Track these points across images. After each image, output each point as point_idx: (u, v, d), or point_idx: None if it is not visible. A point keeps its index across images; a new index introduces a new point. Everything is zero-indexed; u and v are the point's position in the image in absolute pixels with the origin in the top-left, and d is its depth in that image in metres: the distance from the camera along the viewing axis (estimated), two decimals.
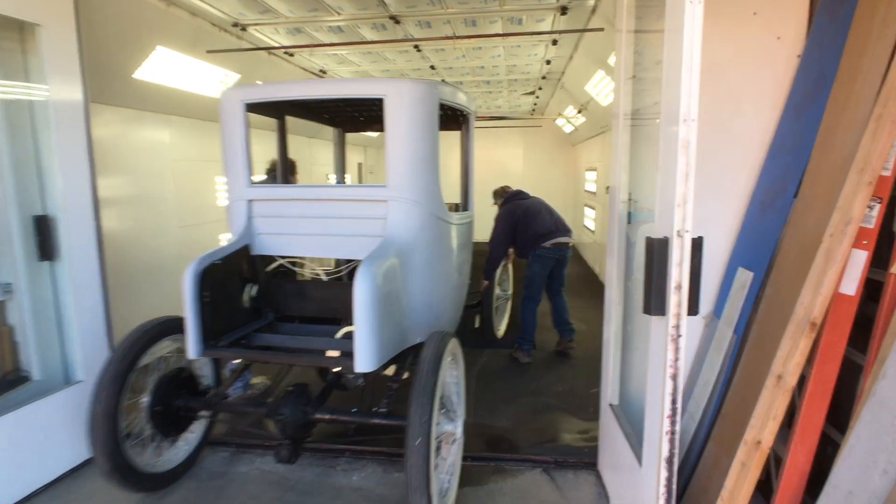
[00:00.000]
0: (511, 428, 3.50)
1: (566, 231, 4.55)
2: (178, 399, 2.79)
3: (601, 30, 4.11)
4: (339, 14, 4.15)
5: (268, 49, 4.90)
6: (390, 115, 2.69)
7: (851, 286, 1.86)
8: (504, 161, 11.98)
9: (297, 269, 3.18)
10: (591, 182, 9.48)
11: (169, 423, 2.79)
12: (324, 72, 6.39)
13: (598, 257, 8.49)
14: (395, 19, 4.27)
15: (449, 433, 2.67)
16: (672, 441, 1.86)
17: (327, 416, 2.68)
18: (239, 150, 2.87)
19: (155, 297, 4.84)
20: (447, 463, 2.63)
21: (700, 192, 2.67)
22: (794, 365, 1.84)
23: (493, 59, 5.85)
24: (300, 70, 6.19)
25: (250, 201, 2.94)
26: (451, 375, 2.76)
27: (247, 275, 2.97)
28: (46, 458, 2.91)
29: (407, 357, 2.84)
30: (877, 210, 1.84)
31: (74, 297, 3.01)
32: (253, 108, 2.91)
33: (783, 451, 1.97)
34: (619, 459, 2.58)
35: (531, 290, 4.53)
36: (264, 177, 4.40)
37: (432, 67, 6.19)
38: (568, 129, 10.35)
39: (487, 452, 3.18)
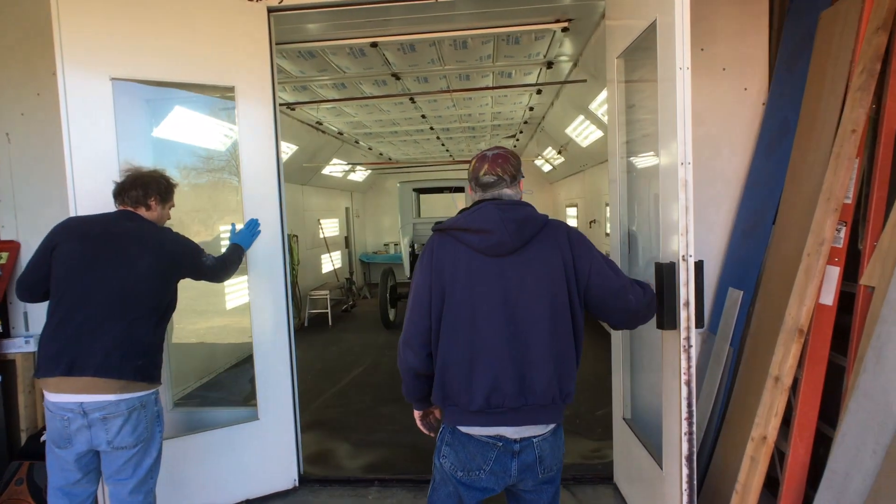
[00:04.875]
0: None
1: None
2: (395, 290, 7.83)
3: (584, 81, 4.56)
4: (344, 73, 4.51)
5: None
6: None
7: (829, 297, 2.19)
8: None
9: None
10: (572, 218, 9.93)
11: (393, 299, 7.72)
12: (320, 123, 6.73)
13: None
14: (396, 76, 4.65)
15: None
16: (690, 441, 2.12)
17: None
18: (409, 205, 8.26)
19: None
20: None
21: None
22: (789, 367, 2.14)
23: (481, 107, 6.29)
24: (298, 122, 6.52)
25: (414, 224, 8.05)
26: None
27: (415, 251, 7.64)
28: None
29: None
30: (843, 232, 2.18)
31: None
32: (415, 189, 8.31)
33: (785, 447, 2.24)
34: (636, 469, 2.81)
35: None
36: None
37: (423, 117, 6.60)
38: (546, 168, 10.88)
39: None
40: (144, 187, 2.28)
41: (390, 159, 11.03)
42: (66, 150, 2.55)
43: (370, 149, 9.53)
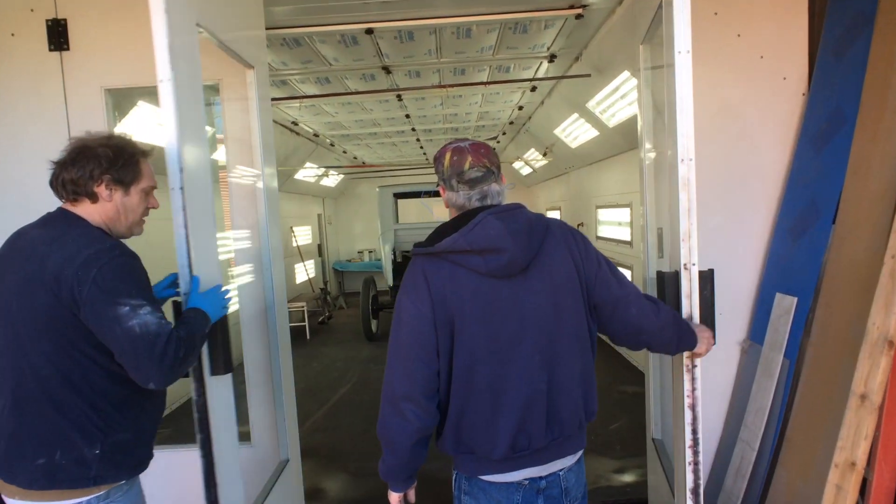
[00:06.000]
0: None
1: None
2: (376, 300, 7.65)
3: (588, 76, 4.31)
4: (331, 65, 4.13)
5: None
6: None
7: None
8: None
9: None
10: None
11: (375, 310, 7.55)
12: (296, 123, 6.29)
13: None
14: (387, 69, 4.30)
15: None
16: (696, 472, 1.85)
17: None
18: (389, 210, 8.02)
19: None
20: None
21: (724, 224, 2.81)
22: (878, 384, 1.89)
23: (470, 105, 5.98)
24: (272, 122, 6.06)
25: (395, 230, 7.79)
26: None
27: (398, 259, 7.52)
28: None
29: None
30: None
31: None
32: (395, 194, 8.05)
33: (867, 472, 2.00)
34: (665, 494, 2.54)
35: None
36: None
37: (407, 116, 6.25)
38: (525, 171, 10.68)
39: None
40: (81, 166, 1.42)
41: (364, 163, 10.61)
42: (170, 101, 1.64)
43: (345, 152, 9.11)
